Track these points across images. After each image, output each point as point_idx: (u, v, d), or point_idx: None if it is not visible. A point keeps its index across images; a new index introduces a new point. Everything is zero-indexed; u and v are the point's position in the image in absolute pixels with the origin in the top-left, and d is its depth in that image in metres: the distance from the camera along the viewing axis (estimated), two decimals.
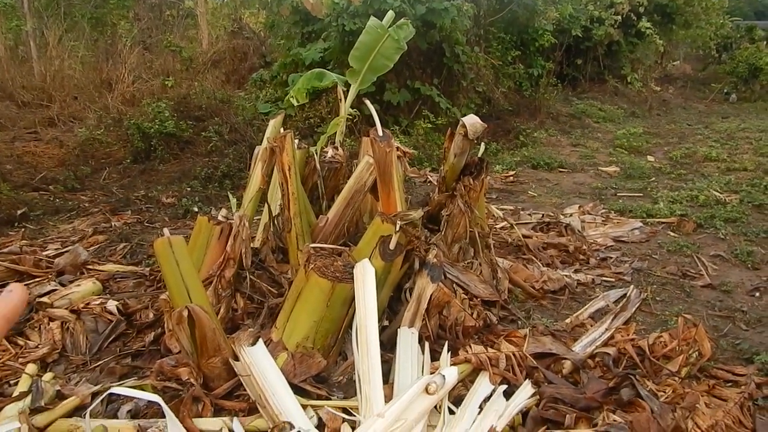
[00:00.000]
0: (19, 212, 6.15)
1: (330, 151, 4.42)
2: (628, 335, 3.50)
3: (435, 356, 3.09)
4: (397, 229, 2.96)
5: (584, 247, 4.76)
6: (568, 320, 3.78)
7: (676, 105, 15.01)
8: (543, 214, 5.72)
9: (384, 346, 3.20)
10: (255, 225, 4.58)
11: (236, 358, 2.87)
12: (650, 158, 8.72)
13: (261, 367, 2.81)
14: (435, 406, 2.65)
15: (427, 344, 3.12)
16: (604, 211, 6.08)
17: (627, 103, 13.88)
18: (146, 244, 5.23)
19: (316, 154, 4.29)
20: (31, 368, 3.11)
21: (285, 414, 2.54)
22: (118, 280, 4.36)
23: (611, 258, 4.80)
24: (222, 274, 3.61)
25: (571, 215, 5.65)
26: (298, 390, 2.82)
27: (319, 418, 2.64)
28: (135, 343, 3.51)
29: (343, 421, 2.57)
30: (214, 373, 2.86)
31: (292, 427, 2.42)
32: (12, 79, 11.72)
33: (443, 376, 2.66)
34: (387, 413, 2.42)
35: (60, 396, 2.97)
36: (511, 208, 5.97)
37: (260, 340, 3.01)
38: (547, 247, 4.88)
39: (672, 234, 5.41)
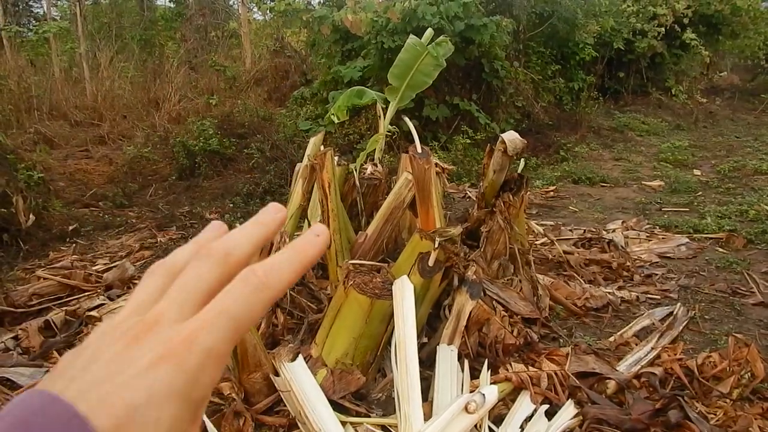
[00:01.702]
0: (70, 228, 6.38)
1: (369, 168, 4.45)
2: (675, 355, 3.40)
3: (475, 374, 3.06)
4: (436, 245, 2.96)
5: (628, 263, 4.66)
6: (611, 338, 3.70)
7: (723, 117, 14.60)
8: (585, 230, 5.62)
9: (423, 363, 3.19)
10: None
11: (276, 374, 2.90)
12: (696, 172, 8.49)
13: (301, 382, 2.82)
14: (475, 426, 2.62)
15: (466, 362, 3.09)
16: (648, 226, 5.94)
17: (671, 116, 13.57)
18: None
19: (356, 171, 4.33)
20: None
21: (324, 430, 2.55)
22: None
23: (656, 275, 4.69)
24: None
25: (613, 231, 5.54)
26: (337, 406, 2.83)
27: None
28: None
29: None
30: (255, 388, 2.90)
31: None
32: (66, 100, 12.20)
33: (483, 394, 2.63)
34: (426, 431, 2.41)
35: None
36: (552, 223, 5.89)
37: (300, 356, 3.04)
38: (589, 263, 4.79)
39: (720, 250, 5.25)
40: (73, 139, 10.91)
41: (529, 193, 7.34)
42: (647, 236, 5.44)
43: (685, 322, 3.90)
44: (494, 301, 3.51)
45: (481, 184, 3.77)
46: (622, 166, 8.93)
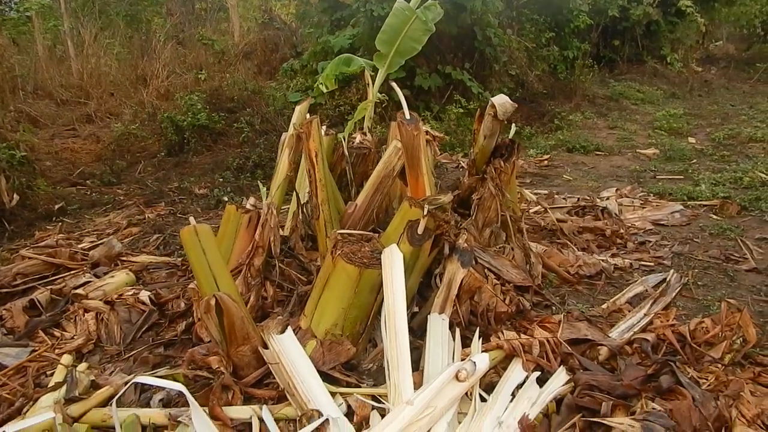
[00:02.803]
0: (56, 207, 6.28)
1: (358, 137, 4.37)
2: (667, 321, 3.37)
3: (466, 343, 3.02)
4: (425, 213, 2.89)
5: (621, 231, 4.61)
6: (604, 306, 3.66)
7: (718, 86, 14.47)
8: (579, 198, 5.56)
9: (414, 332, 3.16)
10: (284, 213, 4.58)
11: (265, 347, 2.86)
12: (691, 140, 8.42)
13: (290, 355, 2.78)
14: (466, 394, 2.59)
15: (458, 331, 3.06)
16: (642, 194, 5.89)
17: (667, 85, 13.46)
18: (178, 235, 5.28)
19: (344, 140, 4.25)
20: (67, 359, 3.15)
21: (313, 402, 2.51)
22: (151, 270, 4.40)
23: (650, 242, 4.64)
24: (251, 263, 3.60)
25: (607, 199, 5.48)
26: (327, 378, 2.79)
27: (349, 406, 2.60)
28: (167, 332, 3.54)
29: (372, 409, 2.53)
30: (244, 361, 2.85)
31: (320, 415, 2.39)
32: (51, 79, 11.96)
33: (474, 362, 2.59)
34: (416, 400, 2.37)
35: (95, 386, 3.00)
36: (546, 192, 5.83)
37: (289, 328, 2.99)
38: (582, 231, 4.74)
39: (714, 217, 5.20)
40: (59, 119, 10.73)
41: (522, 161, 7.28)
42: (641, 204, 5.39)
43: (678, 288, 3.87)
44: (486, 269, 3.46)
45: (472, 150, 3.69)
46: (617, 134, 8.86)
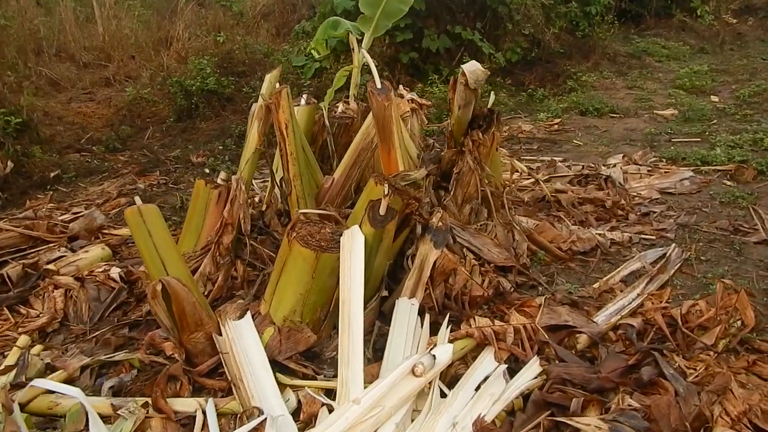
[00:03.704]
0: (52, 175, 6.20)
1: (341, 106, 4.13)
2: (660, 302, 3.13)
3: (438, 330, 2.83)
4: (386, 192, 2.67)
5: (623, 201, 4.32)
6: (596, 285, 3.43)
7: (753, 38, 13.64)
8: (583, 166, 5.25)
9: (385, 318, 2.98)
10: (265, 187, 4.40)
11: (220, 333, 2.71)
12: (714, 98, 7.93)
13: (244, 343, 2.64)
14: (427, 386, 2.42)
15: (427, 317, 2.87)
16: (654, 159, 5.53)
17: (695, 39, 12.73)
18: (166, 206, 5.15)
19: (325, 109, 4.02)
20: (23, 340, 3.05)
21: (259, 396, 2.37)
22: (130, 245, 4.28)
23: (654, 213, 4.35)
24: (220, 241, 3.45)
25: (613, 166, 5.16)
26: (282, 368, 2.64)
27: (299, 401, 2.45)
28: (135, 312, 3.42)
29: (323, 405, 2.37)
30: (198, 348, 2.72)
31: (261, 412, 2.24)
32: (75, 41, 11.77)
33: (433, 356, 2.41)
34: (365, 398, 2.20)
35: (51, 369, 2.92)
36: (549, 159, 5.53)
37: (248, 313, 2.84)
38: (583, 202, 4.47)
39: (727, 183, 4.86)
40: (79, 81, 10.59)
41: (531, 126, 6.94)
42: (648, 171, 5.06)
43: (678, 264, 3.61)
44: (465, 249, 3.25)
45: (449, 121, 3.44)
46: (635, 94, 8.39)
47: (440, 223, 3.06)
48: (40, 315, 3.39)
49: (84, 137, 7.96)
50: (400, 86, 4.06)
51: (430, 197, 3.49)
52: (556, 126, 7.04)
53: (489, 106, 3.32)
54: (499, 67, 8.70)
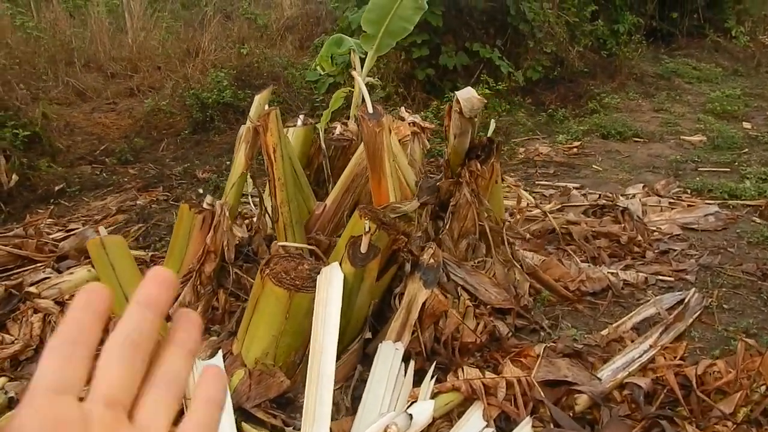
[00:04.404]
0: (57, 188, 6.10)
1: (338, 128, 3.92)
2: (674, 358, 2.83)
3: (423, 378, 2.58)
4: (368, 228, 2.44)
5: (639, 237, 4.02)
6: (604, 332, 3.14)
7: None
8: (600, 195, 4.95)
9: (369, 361, 2.74)
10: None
11: None
12: (746, 125, 7.55)
13: None
14: None
15: (411, 363, 2.62)
16: (677, 189, 5.21)
17: (729, 61, 12.29)
18: (163, 224, 5.00)
19: (321, 131, 3.82)
20: None
21: None
22: None
23: (674, 251, 4.04)
24: (201, 269, 3.25)
25: (633, 196, 4.85)
26: (249, 416, 2.42)
27: None
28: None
29: None
30: None
31: None
32: (105, 52, 11.83)
33: (410, 415, 2.16)
34: None
35: (17, 402, 2.73)
36: (564, 186, 5.24)
37: (219, 352, 2.62)
38: (597, 236, 4.18)
39: (757, 221, 4.52)
40: (104, 92, 10.60)
41: (549, 148, 6.65)
42: (670, 203, 4.74)
43: (698, 312, 3.30)
44: (460, 288, 3.00)
45: (446, 150, 3.20)
46: (662, 118, 8.04)
47: (431, 260, 2.82)
48: (15, 341, 3.22)
49: (99, 148, 7.90)
50: (402, 108, 3.83)
51: (427, 228, 3.25)
52: (575, 149, 6.75)
53: (489, 135, 3.07)
54: (518, 86, 8.43)
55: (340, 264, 2.51)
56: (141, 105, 9.93)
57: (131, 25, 12.61)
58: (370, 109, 2.92)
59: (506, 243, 3.11)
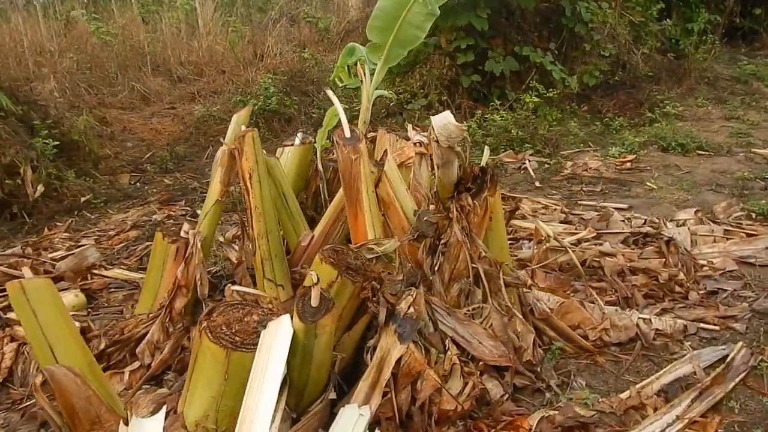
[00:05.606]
0: (83, 199, 6.05)
1: None
2: None
3: None
4: (315, 280, 2.08)
5: (681, 276, 3.47)
6: (624, 395, 2.65)
7: None
8: (645, 220, 4.38)
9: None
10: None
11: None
12: None
13: None
14: None
15: None
16: (739, 213, 4.55)
17: None
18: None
19: (318, 151, 3.50)
20: None
21: None
22: (112, 290, 3.93)
23: (724, 291, 3.46)
24: (171, 305, 2.99)
25: (682, 224, 4.25)
26: None
27: None
28: None
29: None
30: None
31: None
32: (174, 56, 11.99)
33: None
34: None
35: None
36: (606, 207, 4.68)
37: (163, 409, 2.33)
38: (634, 271, 3.65)
39: None
40: (168, 96, 10.69)
41: (600, 162, 6.05)
42: (726, 231, 4.11)
43: (743, 373, 2.75)
44: (449, 340, 2.59)
45: (434, 181, 2.79)
46: (732, 127, 7.24)
47: (410, 309, 2.43)
48: None
49: (146, 155, 7.89)
50: (409, 126, 3.44)
51: (423, 266, 2.85)
52: (628, 164, 6.13)
53: (482, 164, 2.64)
54: (572, 93, 7.82)
55: (292, 318, 2.16)
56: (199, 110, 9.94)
57: (202, 29, 12.75)
58: (347, 133, 2.56)
59: (503, 288, 2.67)
